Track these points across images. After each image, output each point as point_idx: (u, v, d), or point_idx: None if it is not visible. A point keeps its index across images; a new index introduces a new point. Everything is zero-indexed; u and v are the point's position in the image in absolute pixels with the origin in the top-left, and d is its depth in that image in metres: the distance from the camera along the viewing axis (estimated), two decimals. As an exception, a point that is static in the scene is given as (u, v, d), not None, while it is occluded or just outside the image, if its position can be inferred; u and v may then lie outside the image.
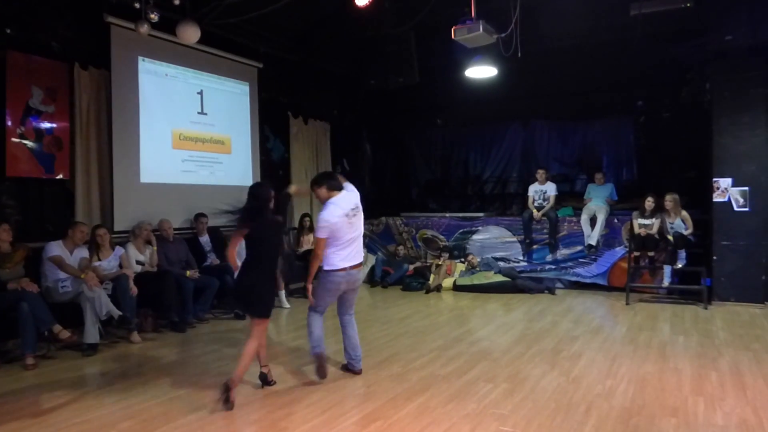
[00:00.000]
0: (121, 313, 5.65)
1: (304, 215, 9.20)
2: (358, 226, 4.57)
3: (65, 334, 5.07)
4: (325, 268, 4.50)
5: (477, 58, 7.47)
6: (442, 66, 9.65)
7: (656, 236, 7.60)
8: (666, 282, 7.56)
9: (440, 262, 9.20)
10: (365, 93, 10.72)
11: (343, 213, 4.43)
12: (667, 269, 7.53)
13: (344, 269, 4.47)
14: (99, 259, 5.99)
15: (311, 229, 9.00)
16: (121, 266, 6.10)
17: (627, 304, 7.40)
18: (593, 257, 8.48)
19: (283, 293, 7.81)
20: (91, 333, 5.40)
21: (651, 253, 7.69)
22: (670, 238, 7.49)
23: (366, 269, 9.95)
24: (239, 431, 3.62)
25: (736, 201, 7.31)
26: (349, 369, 4.68)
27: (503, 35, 6.06)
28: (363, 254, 4.75)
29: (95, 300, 5.41)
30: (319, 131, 10.75)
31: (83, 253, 5.88)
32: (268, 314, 4.30)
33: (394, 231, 10.41)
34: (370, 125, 11.97)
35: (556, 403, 3.84)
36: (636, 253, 7.80)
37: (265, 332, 4.42)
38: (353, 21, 8.43)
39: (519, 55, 6.21)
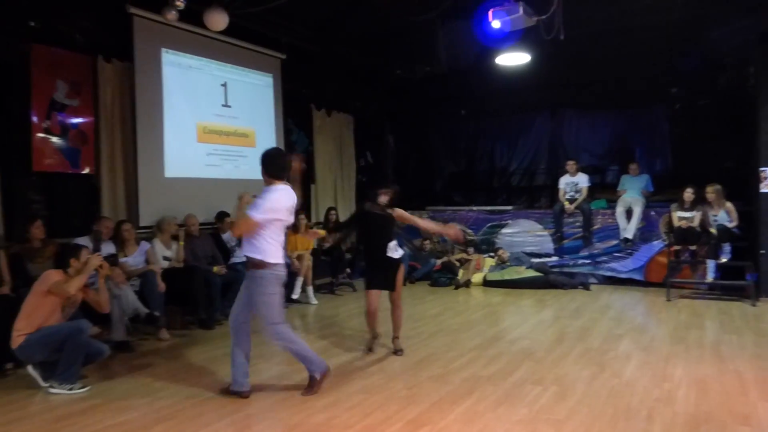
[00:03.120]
0: (148, 310, 5.54)
1: (330, 209, 9.01)
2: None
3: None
4: (272, 260, 3.98)
5: (509, 44, 7.19)
6: (468, 54, 9.37)
7: (698, 229, 7.31)
8: (710, 277, 7.26)
9: (469, 257, 8.98)
10: (389, 84, 10.50)
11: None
12: (710, 264, 7.22)
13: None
14: (125, 255, 5.86)
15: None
16: (147, 262, 5.97)
17: (668, 300, 7.12)
18: (629, 251, 8.20)
19: (310, 289, 7.65)
20: (119, 331, 5.28)
21: (692, 247, 7.40)
22: (713, 231, 7.18)
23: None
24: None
25: (785, 191, 6.99)
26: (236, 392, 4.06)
27: (544, 17, 5.78)
28: None
29: (122, 297, 5.30)
30: (343, 124, 10.56)
31: (110, 248, 5.75)
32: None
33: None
34: (394, 117, 11.74)
35: (613, 408, 3.61)
36: (676, 247, 7.51)
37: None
38: (377, 9, 8.19)
39: (562, 37, 5.92)
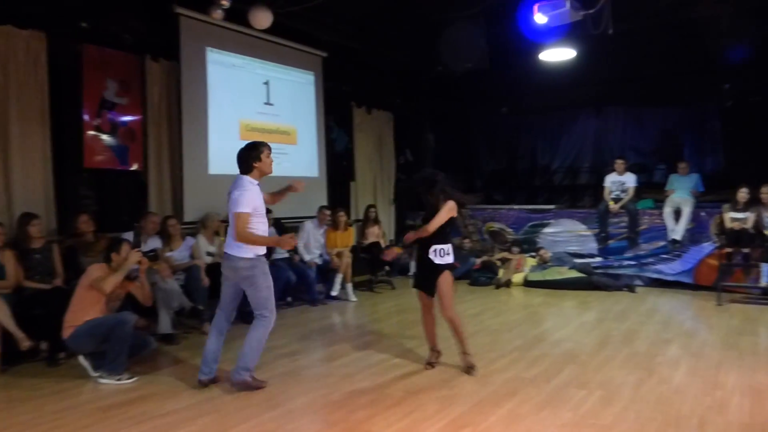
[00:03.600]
0: (192, 304, 5.65)
1: (370, 206, 9.02)
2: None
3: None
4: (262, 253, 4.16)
5: (553, 40, 7.06)
6: (511, 50, 9.23)
7: (751, 231, 7.03)
8: (764, 281, 6.96)
9: (510, 256, 8.86)
10: (430, 81, 10.43)
11: None
12: (764, 267, 6.93)
13: None
14: (170, 250, 5.99)
15: (376, 220, 8.85)
16: (191, 257, 6.09)
17: (719, 304, 6.86)
18: (677, 253, 7.94)
19: (350, 286, 7.68)
20: (165, 323, 5.42)
21: (745, 250, 7.11)
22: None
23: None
24: (312, 428, 3.46)
25: None
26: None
27: (591, 11, 5.64)
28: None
29: (168, 291, 5.43)
30: (383, 121, 10.56)
31: (156, 243, 5.89)
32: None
33: (459, 223, 10.07)
34: (434, 115, 11.67)
35: (662, 415, 3.50)
36: (728, 249, 7.24)
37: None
38: (419, 6, 8.15)
39: (610, 31, 5.77)
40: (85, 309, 4.36)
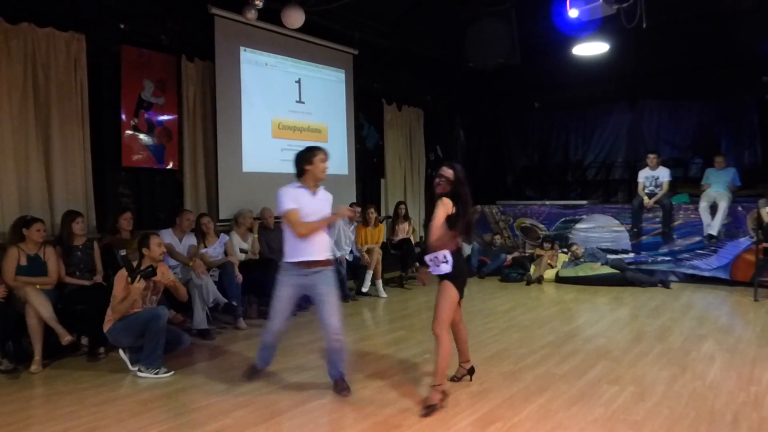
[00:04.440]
0: (227, 300, 5.77)
1: (399, 203, 9.06)
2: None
3: (179, 318, 5.22)
4: None
5: (586, 34, 6.98)
6: (542, 45, 9.16)
7: (790, 226, 6.87)
8: (802, 277, 6.82)
9: (541, 253, 8.80)
10: (460, 77, 10.41)
11: None
12: (803, 263, 6.79)
13: None
14: (205, 247, 6.13)
15: (406, 217, 8.89)
16: (226, 254, 6.22)
17: (756, 300, 6.73)
18: (713, 248, 7.78)
19: (380, 282, 7.74)
20: (200, 319, 5.54)
21: (784, 245, 6.96)
22: (807, 228, 6.73)
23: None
24: (351, 427, 3.52)
25: None
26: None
27: (625, 5, 5.57)
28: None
29: (203, 287, 5.55)
30: (413, 118, 10.59)
31: (191, 240, 6.04)
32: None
33: (490, 219, 10.09)
34: (464, 111, 11.65)
35: (695, 410, 3.47)
36: (765, 244, 7.07)
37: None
38: (449, 2, 8.15)
39: (644, 25, 5.69)
40: (121, 305, 4.45)
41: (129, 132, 6.32)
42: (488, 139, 11.93)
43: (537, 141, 11.52)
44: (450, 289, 3.75)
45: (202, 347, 5.29)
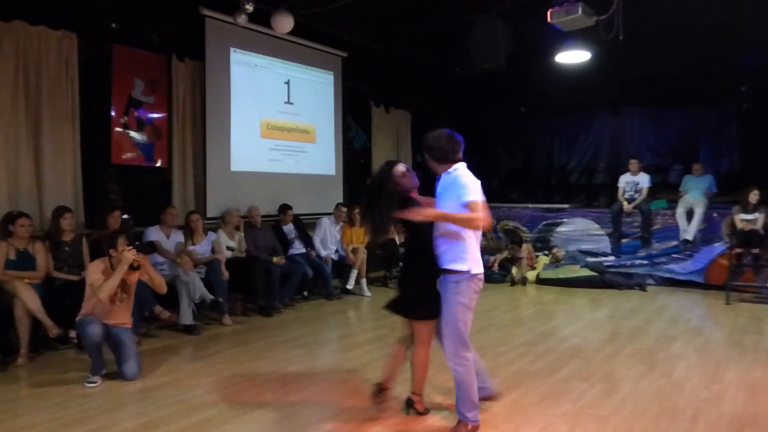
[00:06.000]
0: (213, 297, 5.89)
1: (386, 204, 9.19)
2: None
3: (165, 314, 5.33)
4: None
5: (569, 42, 7.17)
6: (528, 51, 9.35)
7: (761, 232, 7.09)
8: (773, 281, 7.06)
9: (520, 255, 8.98)
10: (447, 81, 10.57)
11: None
12: (774, 268, 7.03)
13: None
14: (193, 244, 6.24)
15: (392, 217, 9.01)
16: (213, 251, 6.33)
17: (727, 303, 6.95)
18: (689, 253, 8.02)
19: (364, 281, 7.88)
20: (187, 315, 5.65)
21: (755, 250, 7.18)
22: (778, 234, 6.97)
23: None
24: (330, 419, 3.65)
25: None
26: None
27: (603, 17, 5.76)
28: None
29: (190, 283, 5.67)
30: (401, 120, 10.73)
31: (179, 237, 6.16)
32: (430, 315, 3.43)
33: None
34: (452, 113, 11.81)
35: (659, 406, 3.65)
36: (738, 250, 7.31)
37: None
38: (438, 8, 8.30)
39: (621, 37, 5.88)
40: (92, 302, 4.30)
41: (119, 130, 6.41)
42: (475, 142, 12.03)
43: (522, 145, 11.73)
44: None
45: (188, 343, 5.41)
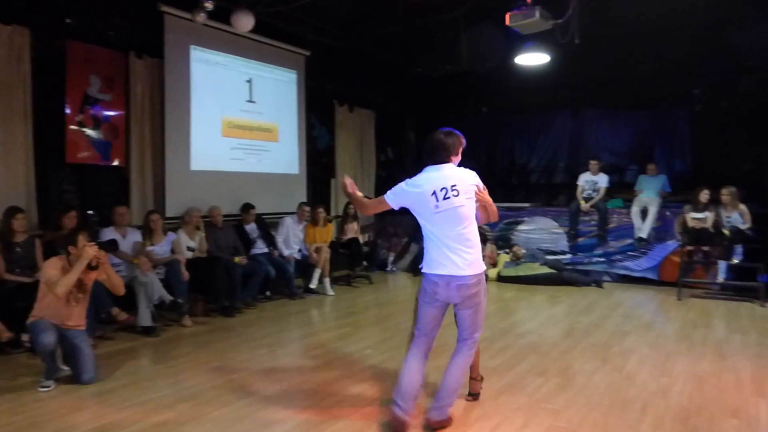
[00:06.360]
0: (172, 297, 5.81)
1: (349, 203, 9.21)
2: (452, 214, 3.29)
3: (123, 316, 5.23)
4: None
5: (528, 45, 7.31)
6: (490, 53, 9.49)
7: (711, 230, 7.36)
8: (721, 278, 7.33)
9: (484, 254, 9.08)
10: (411, 81, 10.65)
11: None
12: (722, 265, 7.30)
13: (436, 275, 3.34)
14: (152, 244, 6.15)
15: (355, 216, 9.06)
16: (173, 251, 6.25)
17: (679, 299, 7.20)
18: (643, 250, 8.28)
19: (327, 280, 7.88)
20: (145, 316, 5.57)
21: (705, 248, 7.45)
22: (726, 232, 7.24)
23: (408, 258, 9.96)
24: (291, 418, 3.64)
25: (800, 194, 7.02)
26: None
27: (560, 21, 5.90)
28: (475, 258, 3.34)
29: (148, 284, 5.58)
30: (364, 119, 10.76)
31: (136, 237, 6.06)
32: None
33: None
34: (415, 113, 11.90)
35: (610, 399, 3.77)
36: (689, 248, 7.57)
37: None
38: (401, 8, 8.36)
39: (576, 41, 6.04)
40: (44, 303, 4.19)
41: (74, 128, 6.26)
42: (438, 142, 12.19)
43: (485, 144, 11.87)
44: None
45: (146, 345, 5.33)
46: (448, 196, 3.26)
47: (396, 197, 3.42)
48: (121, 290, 4.59)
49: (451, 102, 11.61)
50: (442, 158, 3.39)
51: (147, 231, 6.20)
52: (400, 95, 11.36)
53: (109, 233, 5.81)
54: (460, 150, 3.47)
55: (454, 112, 11.85)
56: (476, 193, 3.34)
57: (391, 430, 3.33)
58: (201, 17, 6.51)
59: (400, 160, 11.83)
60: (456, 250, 3.27)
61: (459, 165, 3.47)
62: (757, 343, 5.19)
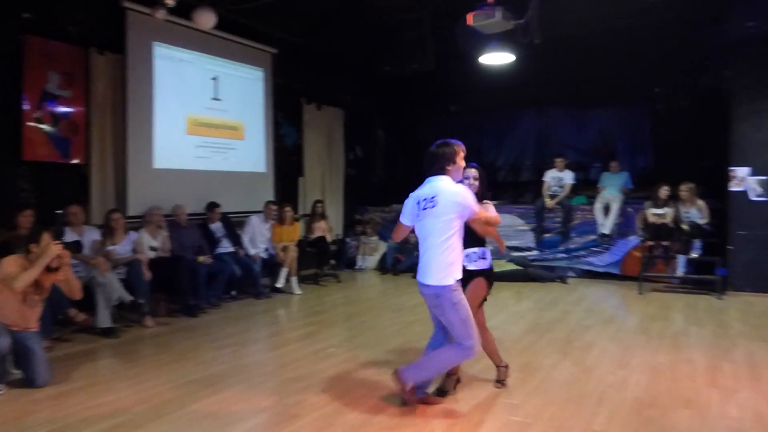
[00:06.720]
0: (132, 297, 5.71)
1: (317, 201, 9.20)
2: (425, 226, 3.48)
3: (81, 317, 5.14)
4: None
5: (493, 44, 7.37)
6: (457, 52, 9.53)
7: (670, 225, 7.54)
8: (680, 272, 7.52)
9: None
10: (379, 79, 10.65)
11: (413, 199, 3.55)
12: (681, 259, 7.48)
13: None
14: (113, 244, 6.04)
15: (323, 215, 9.03)
16: (134, 251, 6.15)
17: (640, 293, 7.37)
18: (606, 246, 8.44)
19: (294, 279, 7.84)
20: (104, 317, 5.46)
21: (665, 243, 7.62)
22: (685, 227, 7.42)
23: (377, 256, 9.97)
24: (251, 418, 3.63)
25: (753, 190, 7.22)
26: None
27: (521, 21, 5.97)
28: (433, 271, 3.46)
29: (106, 285, 5.47)
30: (333, 117, 10.72)
31: (94, 235, 5.95)
32: None
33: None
34: (384, 111, 11.92)
35: (567, 393, 3.83)
36: (650, 243, 7.74)
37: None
38: (369, 6, 8.35)
39: (536, 41, 6.12)
40: (1, 300, 4.06)
41: (31, 124, 6.11)
42: (407, 140, 12.25)
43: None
44: (482, 284, 3.92)
45: (106, 346, 5.24)
46: (426, 207, 3.43)
47: (404, 214, 3.62)
48: (78, 294, 4.51)
49: (420, 100, 11.67)
50: (436, 170, 3.51)
51: (108, 230, 6.09)
52: (368, 94, 11.35)
53: (68, 234, 5.69)
54: (457, 158, 3.54)
55: (423, 110, 11.93)
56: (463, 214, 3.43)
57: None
58: (161, 14, 6.40)
59: (369, 159, 11.84)
60: (427, 258, 3.48)
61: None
62: (713, 335, 5.34)
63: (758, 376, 4.17)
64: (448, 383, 3.91)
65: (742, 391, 3.87)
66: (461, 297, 3.47)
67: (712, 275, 7.21)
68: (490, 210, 3.86)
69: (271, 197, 8.63)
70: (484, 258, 3.93)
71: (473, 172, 3.91)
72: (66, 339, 5.33)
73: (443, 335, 3.72)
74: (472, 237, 3.76)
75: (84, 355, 4.90)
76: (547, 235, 8.98)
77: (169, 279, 6.27)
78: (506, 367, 4.08)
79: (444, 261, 3.41)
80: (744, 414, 3.48)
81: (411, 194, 3.58)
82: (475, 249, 3.87)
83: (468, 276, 3.76)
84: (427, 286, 3.50)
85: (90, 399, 3.87)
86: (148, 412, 3.65)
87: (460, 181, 3.65)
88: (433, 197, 3.41)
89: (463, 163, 3.59)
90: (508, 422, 3.40)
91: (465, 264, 3.67)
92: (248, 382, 4.23)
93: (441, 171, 3.49)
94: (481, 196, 3.83)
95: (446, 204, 3.39)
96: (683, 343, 5.07)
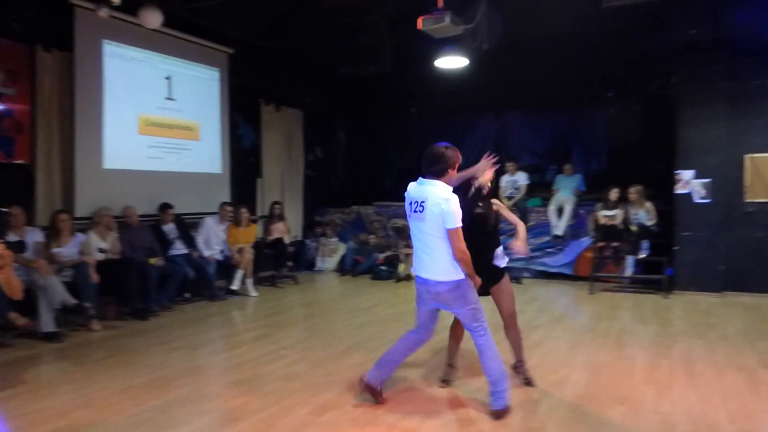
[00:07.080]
0: (77, 301, 5.58)
1: (275, 203, 9.13)
2: (419, 228, 3.57)
3: (22, 321, 4.98)
4: None
5: (448, 48, 7.44)
6: (415, 55, 9.61)
7: (620, 227, 7.73)
8: (629, 272, 7.71)
9: (410, 251, 9.19)
10: (340, 81, 10.65)
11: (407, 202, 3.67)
12: (629, 259, 7.68)
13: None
14: (58, 246, 5.89)
15: (281, 216, 8.98)
16: (81, 253, 6.01)
17: (591, 293, 7.53)
18: (560, 247, 8.60)
19: (250, 281, 7.77)
20: (47, 321, 5.33)
21: (615, 244, 7.81)
22: (634, 228, 7.62)
23: (337, 258, 9.96)
24: (194, 421, 3.59)
25: (697, 192, 7.47)
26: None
27: (470, 26, 6.04)
28: (442, 267, 3.52)
29: (49, 288, 5.33)
30: (292, 119, 10.67)
31: (37, 236, 5.77)
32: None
33: (366, 220, 10.42)
34: (344, 113, 11.91)
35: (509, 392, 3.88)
36: (600, 244, 7.93)
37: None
38: (327, 8, 8.34)
39: (485, 47, 6.20)
40: None
41: (-28, 123, 5.93)
42: (368, 141, 12.28)
43: (414, 144, 11.98)
44: (508, 279, 4.21)
45: (49, 351, 5.11)
46: (416, 211, 3.55)
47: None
48: (19, 294, 4.40)
49: (380, 103, 11.69)
50: (436, 171, 3.55)
51: (54, 232, 5.93)
52: (328, 95, 11.33)
53: (8, 236, 5.52)
54: (457, 166, 3.65)
55: (384, 112, 11.96)
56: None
57: None
58: (104, 12, 6.27)
59: (329, 160, 11.82)
60: (431, 257, 3.54)
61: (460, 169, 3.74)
62: (655, 333, 5.49)
63: (693, 372, 4.32)
64: (452, 373, 4.17)
65: (676, 386, 4.00)
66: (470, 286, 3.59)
67: (659, 275, 7.42)
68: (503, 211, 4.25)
69: (227, 198, 8.54)
70: (503, 256, 4.14)
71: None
72: (7, 344, 5.17)
73: (425, 332, 3.90)
74: (490, 236, 4.06)
75: (26, 360, 4.77)
76: (503, 237, 9.06)
77: (118, 281, 6.15)
78: (452, 366, 4.16)
79: (449, 256, 3.48)
80: (675, 409, 3.59)
81: (408, 187, 3.70)
82: (499, 247, 4.13)
83: (495, 272, 4.07)
84: (442, 282, 3.53)
85: (28, 404, 3.78)
86: (87, 416, 3.58)
87: (460, 188, 3.76)
88: (422, 202, 3.49)
89: (455, 173, 3.65)
90: (448, 422, 3.44)
91: (497, 263, 4.02)
92: (195, 385, 4.18)
93: (441, 173, 3.54)
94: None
95: (432, 213, 3.43)
96: (627, 341, 5.20)
